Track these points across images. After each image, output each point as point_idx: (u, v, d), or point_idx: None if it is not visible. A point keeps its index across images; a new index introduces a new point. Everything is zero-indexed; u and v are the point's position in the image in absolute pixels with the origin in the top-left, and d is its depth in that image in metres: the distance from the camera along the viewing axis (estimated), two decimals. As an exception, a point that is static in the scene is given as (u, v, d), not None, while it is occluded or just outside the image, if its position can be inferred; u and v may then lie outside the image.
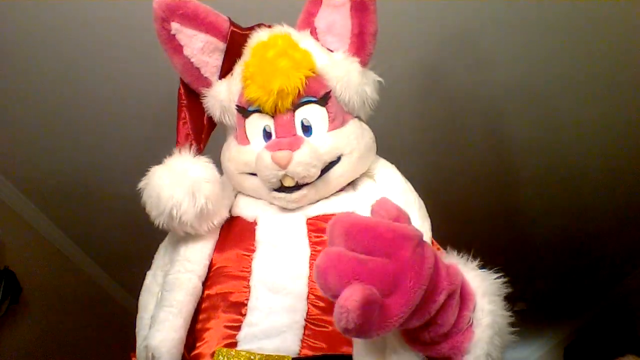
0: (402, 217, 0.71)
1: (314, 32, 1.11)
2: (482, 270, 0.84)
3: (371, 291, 0.63)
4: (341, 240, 0.67)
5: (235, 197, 1.11)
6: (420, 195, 1.07)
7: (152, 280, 1.11)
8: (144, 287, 1.12)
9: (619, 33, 1.89)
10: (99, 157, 2.47)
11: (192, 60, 1.11)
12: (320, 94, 1.04)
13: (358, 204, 1.03)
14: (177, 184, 0.98)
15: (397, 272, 0.66)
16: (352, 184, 1.10)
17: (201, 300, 1.00)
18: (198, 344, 0.96)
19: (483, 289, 0.80)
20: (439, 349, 0.77)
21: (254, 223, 1.04)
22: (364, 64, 1.09)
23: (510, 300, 0.84)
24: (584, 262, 3.66)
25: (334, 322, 0.63)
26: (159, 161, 1.09)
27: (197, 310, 1.00)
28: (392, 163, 1.14)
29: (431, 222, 1.03)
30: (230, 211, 1.08)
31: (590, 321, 4.55)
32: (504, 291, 0.83)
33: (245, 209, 1.08)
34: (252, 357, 0.88)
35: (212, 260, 1.03)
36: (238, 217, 1.07)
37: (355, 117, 1.10)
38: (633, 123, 2.32)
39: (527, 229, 3.23)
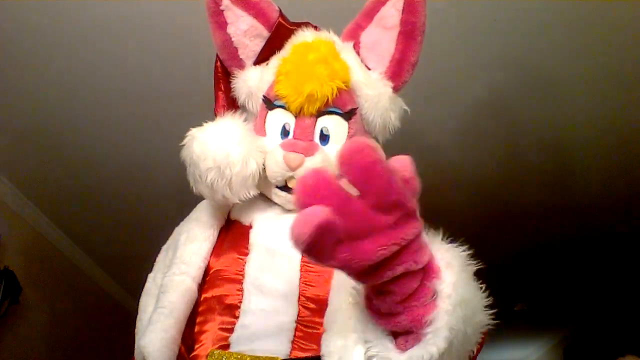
0: (412, 183, 0.69)
1: (357, 45, 1.12)
2: (450, 243, 0.82)
3: (334, 221, 0.62)
4: (346, 166, 0.65)
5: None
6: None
7: (152, 283, 1.12)
8: (144, 290, 1.13)
9: None
10: (99, 157, 2.47)
11: (233, 39, 1.12)
12: (347, 108, 1.06)
13: None
14: (237, 144, 0.99)
15: (375, 226, 0.65)
16: None
17: (198, 303, 1.01)
18: (196, 346, 0.97)
19: (447, 260, 0.78)
20: (400, 321, 0.75)
21: (249, 227, 1.05)
22: (396, 90, 1.10)
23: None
24: (584, 261, 3.67)
25: (289, 232, 0.62)
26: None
27: (195, 313, 1.01)
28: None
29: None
30: (229, 215, 1.10)
31: (590, 321, 4.55)
32: (471, 264, 0.80)
33: (242, 213, 1.09)
34: (242, 358, 0.89)
35: (209, 263, 1.03)
36: (235, 222, 1.08)
37: (373, 137, 1.11)
38: None
39: (528, 228, 3.23)
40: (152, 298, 1.08)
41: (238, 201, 1.02)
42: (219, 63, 1.16)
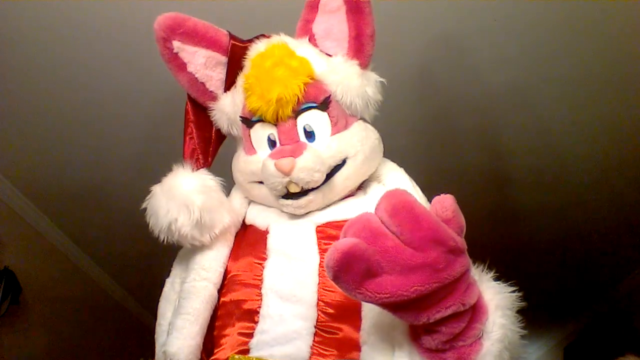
0: (455, 222, 0.70)
1: (312, 39, 1.13)
2: (497, 282, 0.84)
3: (366, 249, 0.65)
4: (384, 211, 0.68)
5: (249, 205, 1.14)
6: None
7: (170, 288, 1.14)
8: (162, 295, 1.15)
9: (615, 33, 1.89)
10: (99, 157, 2.47)
11: (196, 75, 1.14)
12: (320, 100, 1.06)
13: (366, 209, 1.04)
14: (171, 199, 1.02)
15: (408, 263, 0.66)
16: (362, 189, 1.12)
17: (217, 307, 1.02)
18: (216, 350, 0.98)
19: (496, 302, 0.80)
20: (445, 357, 0.77)
21: (266, 232, 1.06)
22: (364, 66, 1.10)
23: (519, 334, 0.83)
24: (584, 261, 3.66)
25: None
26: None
27: (214, 317, 1.02)
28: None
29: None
30: (245, 219, 1.11)
31: (590, 321, 4.55)
32: (518, 305, 0.83)
33: (258, 217, 1.10)
34: None
35: (227, 267, 1.05)
36: (251, 226, 1.10)
37: (360, 119, 1.11)
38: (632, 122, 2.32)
39: (526, 230, 3.23)
40: (170, 303, 1.09)
41: (208, 243, 1.04)
42: (189, 105, 1.18)
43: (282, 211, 1.08)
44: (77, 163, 2.50)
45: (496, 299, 0.80)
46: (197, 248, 1.06)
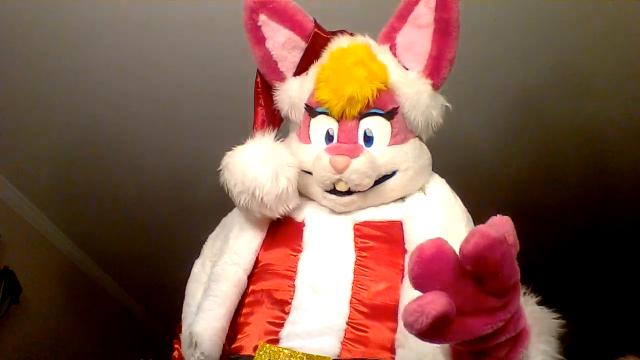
0: (515, 247, 0.67)
1: (393, 47, 1.14)
2: (541, 307, 0.86)
3: (452, 308, 0.61)
4: (471, 252, 0.61)
5: None
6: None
7: (200, 270, 1.14)
8: (192, 276, 1.16)
9: None
10: (99, 157, 2.47)
11: (272, 53, 1.15)
12: (388, 108, 1.08)
13: (406, 214, 1.05)
14: (263, 164, 1.01)
15: (485, 308, 0.65)
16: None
17: (245, 294, 1.03)
18: (239, 337, 0.98)
19: (539, 328, 0.81)
20: None
21: (302, 224, 1.07)
22: (435, 87, 1.11)
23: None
24: (584, 262, 3.67)
25: (403, 314, 0.60)
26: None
27: (241, 304, 1.02)
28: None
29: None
30: None
31: (590, 321, 4.55)
32: (560, 331, 0.86)
33: (295, 209, 1.09)
34: (294, 355, 0.90)
35: (260, 255, 1.05)
36: (287, 218, 1.09)
37: (417, 136, 1.13)
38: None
39: (526, 230, 3.23)
40: (200, 285, 1.10)
41: (279, 216, 1.04)
42: (259, 78, 1.19)
43: (321, 204, 1.09)
44: (78, 163, 2.50)
45: (539, 325, 0.81)
46: (232, 232, 1.07)
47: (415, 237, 0.99)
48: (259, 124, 1.16)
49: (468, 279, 0.64)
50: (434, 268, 0.62)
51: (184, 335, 1.04)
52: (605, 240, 3.37)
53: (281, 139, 1.11)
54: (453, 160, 1.15)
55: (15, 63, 1.97)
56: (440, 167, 1.20)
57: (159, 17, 1.80)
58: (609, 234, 3.28)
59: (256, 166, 1.01)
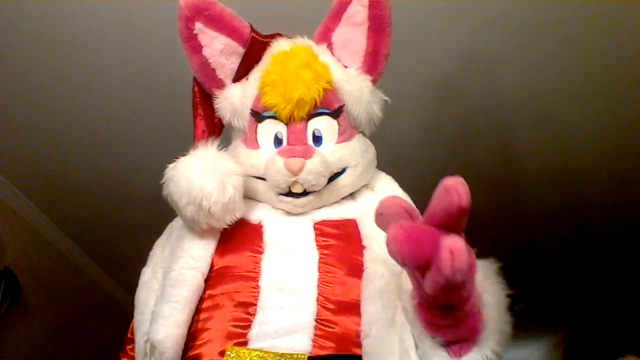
0: (468, 210, 0.72)
1: (330, 46, 1.15)
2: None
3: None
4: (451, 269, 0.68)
5: None
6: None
7: (151, 277, 1.12)
8: (142, 284, 1.13)
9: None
10: (99, 157, 2.47)
11: (210, 60, 1.13)
12: (334, 107, 1.09)
13: (359, 212, 1.07)
14: (208, 174, 0.99)
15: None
16: (351, 194, 1.13)
17: (201, 300, 1.00)
18: (197, 343, 0.96)
19: (483, 273, 0.84)
20: (458, 331, 0.81)
21: (260, 225, 1.06)
22: (374, 82, 1.13)
23: (510, 300, 0.87)
24: (584, 262, 3.67)
25: (437, 271, 0.67)
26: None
27: (195, 310, 1.00)
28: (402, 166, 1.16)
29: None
30: None
31: (590, 321, 4.55)
32: (501, 276, 0.88)
33: (249, 211, 1.09)
34: (265, 356, 0.89)
35: (214, 260, 1.03)
36: (241, 220, 1.08)
37: (360, 132, 1.14)
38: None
39: (527, 230, 3.23)
40: (153, 292, 1.08)
41: (225, 226, 1.03)
42: (196, 88, 1.18)
43: (275, 207, 1.09)
44: (78, 163, 2.50)
45: (482, 271, 0.84)
46: (185, 237, 1.05)
47: (371, 232, 1.00)
48: (199, 134, 1.15)
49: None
50: (413, 238, 0.69)
51: (139, 345, 1.02)
52: (605, 240, 3.37)
53: (224, 148, 1.10)
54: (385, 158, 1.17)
55: (15, 63, 1.97)
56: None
57: (160, 17, 1.80)
58: (609, 234, 3.28)
59: (201, 176, 0.99)
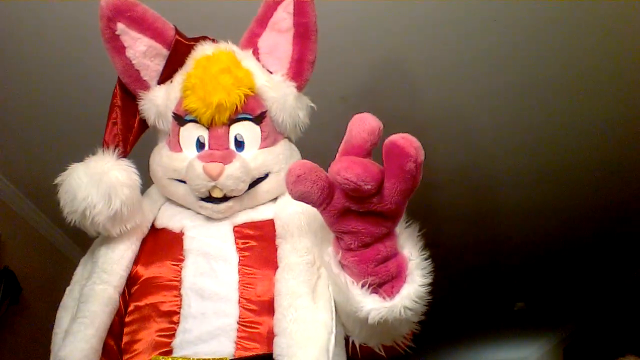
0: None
1: (255, 52, 1.15)
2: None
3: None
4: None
5: (159, 209, 1.12)
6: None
7: (68, 296, 1.10)
8: (61, 304, 1.12)
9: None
10: (99, 157, 2.47)
11: (133, 62, 1.13)
12: (256, 113, 1.09)
13: (275, 212, 1.07)
14: (94, 184, 0.99)
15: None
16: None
17: (127, 313, 1.01)
18: (128, 356, 0.97)
19: (400, 229, 0.90)
20: (387, 266, 0.86)
21: (181, 234, 1.06)
22: (300, 89, 1.14)
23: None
24: (584, 262, 3.67)
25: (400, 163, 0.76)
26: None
27: (124, 324, 1.00)
28: None
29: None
30: (155, 222, 1.10)
31: (590, 321, 4.55)
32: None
33: (171, 220, 1.09)
34: None
35: (136, 272, 1.03)
36: (163, 229, 1.09)
37: (286, 137, 1.15)
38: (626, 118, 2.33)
39: (525, 230, 3.23)
40: (67, 311, 1.07)
41: (116, 235, 1.03)
42: (117, 89, 1.18)
43: (197, 213, 1.09)
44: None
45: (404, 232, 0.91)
46: (100, 251, 1.05)
47: (282, 230, 1.02)
48: (109, 139, 1.13)
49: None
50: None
51: None
52: (604, 240, 3.37)
53: (132, 154, 1.11)
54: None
55: (15, 63, 1.97)
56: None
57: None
58: (609, 234, 3.28)
59: (87, 187, 0.99)
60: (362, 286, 0.86)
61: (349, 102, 2.10)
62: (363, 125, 0.82)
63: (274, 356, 0.89)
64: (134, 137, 1.17)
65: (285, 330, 0.89)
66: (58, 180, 1.03)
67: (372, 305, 0.85)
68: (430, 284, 0.88)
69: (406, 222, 0.91)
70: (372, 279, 0.86)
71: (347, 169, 0.77)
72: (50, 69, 2.00)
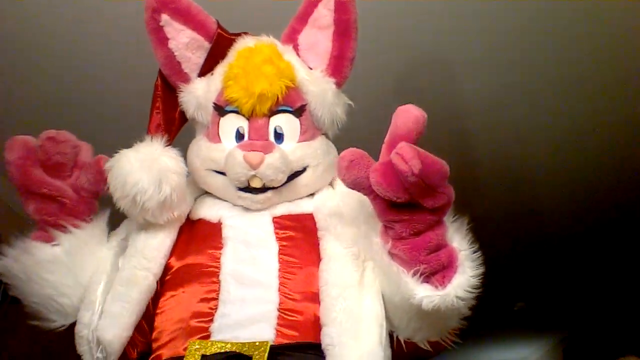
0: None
1: (296, 48, 1.16)
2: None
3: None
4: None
5: (196, 200, 1.12)
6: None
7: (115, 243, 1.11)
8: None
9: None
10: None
11: (175, 53, 1.13)
12: (296, 105, 1.09)
13: (315, 207, 1.08)
14: (146, 170, 1.00)
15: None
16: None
17: (163, 300, 1.01)
18: (162, 342, 0.97)
19: (452, 228, 0.91)
20: (439, 256, 0.87)
21: (219, 223, 1.06)
22: (338, 85, 1.14)
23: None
24: (584, 261, 3.67)
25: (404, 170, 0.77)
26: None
27: (155, 308, 1.01)
28: None
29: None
30: (190, 214, 1.09)
31: (590, 321, 4.56)
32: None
33: (209, 211, 1.09)
34: (226, 346, 0.90)
35: (169, 263, 1.04)
36: (200, 220, 1.09)
37: (323, 134, 1.15)
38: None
39: (527, 229, 3.23)
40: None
41: (162, 223, 1.03)
42: (159, 81, 1.18)
43: (235, 204, 1.09)
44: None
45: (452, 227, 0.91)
46: (139, 235, 1.05)
47: (324, 223, 1.03)
48: (153, 128, 1.15)
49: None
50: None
51: (85, 334, 0.99)
52: (604, 240, 3.37)
53: (172, 146, 1.10)
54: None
55: (15, 63, 1.97)
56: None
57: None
58: (608, 234, 3.29)
59: (138, 172, 1.00)
60: (414, 274, 0.86)
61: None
62: (408, 115, 0.84)
63: (323, 346, 0.89)
64: (175, 128, 1.18)
65: (335, 320, 0.90)
66: (106, 165, 1.04)
67: (425, 293, 0.86)
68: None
69: (453, 216, 0.91)
70: (424, 267, 0.86)
71: (379, 183, 0.81)
72: (51, 68, 2.00)
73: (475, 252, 0.90)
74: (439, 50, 1.98)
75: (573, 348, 4.88)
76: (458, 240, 0.90)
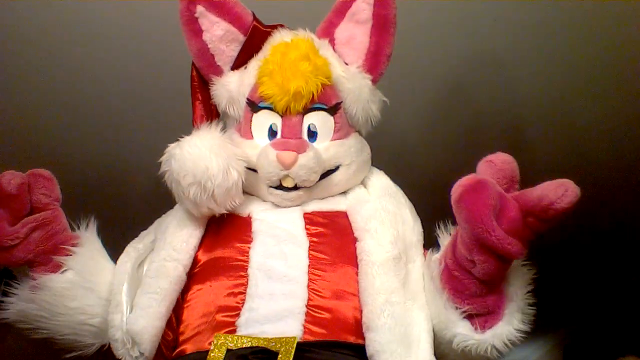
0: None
1: (332, 42, 1.16)
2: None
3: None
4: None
5: None
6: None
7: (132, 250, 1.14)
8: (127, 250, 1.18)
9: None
10: (100, 157, 2.47)
11: (209, 45, 1.14)
12: (331, 103, 1.09)
13: (349, 205, 1.09)
14: (215, 156, 0.99)
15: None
16: None
17: (189, 293, 1.02)
18: (187, 336, 0.98)
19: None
20: (485, 301, 0.85)
21: (249, 217, 1.07)
22: (374, 82, 1.14)
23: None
24: (584, 261, 3.66)
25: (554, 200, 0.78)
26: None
27: (184, 305, 1.02)
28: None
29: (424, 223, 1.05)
30: None
31: (590, 321, 4.55)
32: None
33: (238, 205, 1.09)
34: (253, 341, 0.90)
35: (200, 255, 1.04)
36: (230, 214, 1.09)
37: (357, 131, 1.11)
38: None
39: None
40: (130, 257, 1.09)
41: (224, 211, 1.02)
42: (194, 72, 1.18)
43: (264, 200, 1.09)
44: (77, 163, 2.50)
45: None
46: (168, 229, 1.05)
47: (362, 224, 1.02)
48: (198, 118, 1.14)
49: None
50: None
51: (114, 328, 1.01)
52: (604, 240, 3.37)
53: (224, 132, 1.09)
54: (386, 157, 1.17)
55: (15, 63, 1.96)
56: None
57: (154, 17, 1.80)
58: (608, 234, 3.28)
59: (208, 158, 0.98)
60: (456, 309, 0.86)
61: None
62: (568, 193, 0.85)
63: (369, 353, 0.89)
64: (214, 120, 1.18)
65: (383, 326, 0.89)
66: (170, 152, 1.03)
67: (462, 331, 0.85)
68: (525, 333, 0.88)
69: (523, 260, 0.89)
70: (467, 308, 0.86)
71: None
72: (51, 69, 2.00)
73: (530, 305, 0.89)
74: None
75: (573, 348, 4.87)
76: (516, 287, 0.88)
